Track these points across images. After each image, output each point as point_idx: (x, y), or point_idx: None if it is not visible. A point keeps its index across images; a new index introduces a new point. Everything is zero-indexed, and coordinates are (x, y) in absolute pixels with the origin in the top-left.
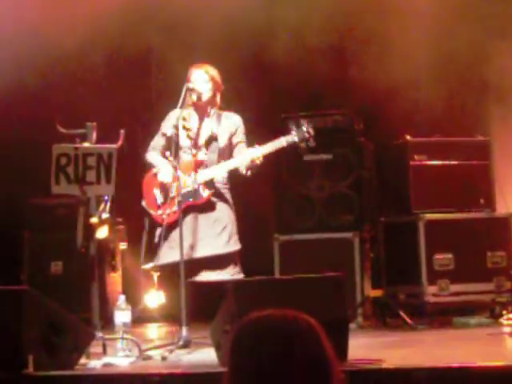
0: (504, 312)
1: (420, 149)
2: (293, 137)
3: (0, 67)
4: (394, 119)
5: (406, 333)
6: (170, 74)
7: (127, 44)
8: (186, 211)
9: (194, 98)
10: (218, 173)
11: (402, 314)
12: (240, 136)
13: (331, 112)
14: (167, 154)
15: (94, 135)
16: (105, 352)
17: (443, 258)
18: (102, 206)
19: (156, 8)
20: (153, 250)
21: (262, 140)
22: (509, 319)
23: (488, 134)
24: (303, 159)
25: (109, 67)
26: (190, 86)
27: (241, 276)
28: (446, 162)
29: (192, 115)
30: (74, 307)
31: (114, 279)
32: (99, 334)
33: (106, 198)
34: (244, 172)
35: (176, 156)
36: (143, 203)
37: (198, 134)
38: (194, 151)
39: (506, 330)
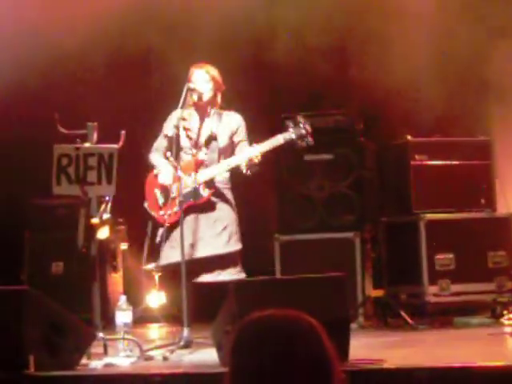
0: (505, 312)
1: (421, 149)
2: (290, 134)
3: (0, 67)
4: (395, 119)
5: (407, 333)
6: (170, 74)
7: (127, 44)
8: (186, 211)
9: (195, 98)
10: (218, 172)
11: (403, 313)
12: (241, 135)
13: (332, 112)
14: (168, 154)
15: (95, 135)
16: (106, 352)
17: (444, 258)
18: (103, 206)
19: (156, 8)
20: (155, 251)
21: (262, 140)
22: (510, 319)
23: (488, 134)
24: (304, 159)
25: (109, 67)
26: (191, 86)
27: (242, 276)
28: (447, 162)
29: (193, 115)
30: (75, 307)
31: (115, 279)
32: (100, 335)
33: (107, 198)
34: (244, 171)
35: (177, 156)
36: (145, 205)
37: (198, 134)
38: (194, 151)
39: (507, 330)
